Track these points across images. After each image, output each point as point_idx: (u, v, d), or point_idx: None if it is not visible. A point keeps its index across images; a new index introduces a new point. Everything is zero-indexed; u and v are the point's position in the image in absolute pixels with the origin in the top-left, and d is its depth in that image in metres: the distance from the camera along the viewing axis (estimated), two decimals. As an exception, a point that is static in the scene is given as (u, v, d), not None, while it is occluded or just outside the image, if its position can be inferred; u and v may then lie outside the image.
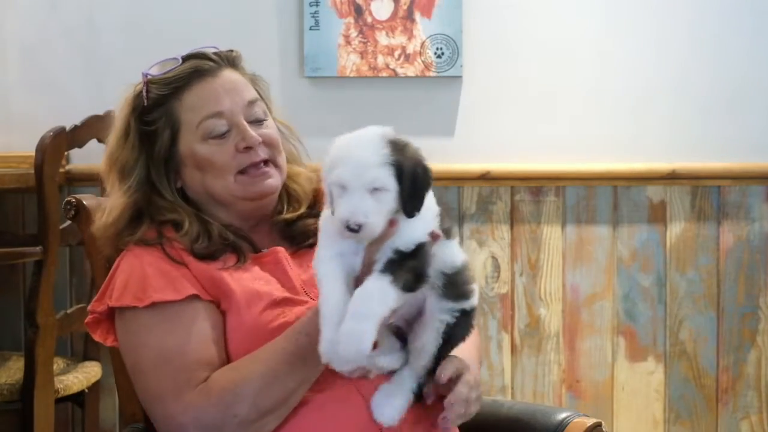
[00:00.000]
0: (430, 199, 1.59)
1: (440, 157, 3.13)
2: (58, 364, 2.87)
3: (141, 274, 1.69)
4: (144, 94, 1.80)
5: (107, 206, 1.80)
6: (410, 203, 1.51)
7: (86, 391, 2.92)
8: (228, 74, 1.82)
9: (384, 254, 1.52)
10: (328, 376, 1.63)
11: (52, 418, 2.71)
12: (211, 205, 1.80)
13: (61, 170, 2.99)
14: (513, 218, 3.15)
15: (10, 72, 3.21)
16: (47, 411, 2.69)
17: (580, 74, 3.16)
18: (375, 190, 1.49)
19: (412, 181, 1.50)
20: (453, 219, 3.15)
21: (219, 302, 1.70)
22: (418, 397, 1.64)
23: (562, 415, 1.87)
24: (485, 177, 3.12)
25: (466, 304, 1.63)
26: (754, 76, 3.16)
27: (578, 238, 3.16)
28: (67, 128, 2.69)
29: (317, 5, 3.11)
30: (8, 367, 2.80)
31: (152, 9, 3.17)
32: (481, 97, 3.16)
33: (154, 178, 1.79)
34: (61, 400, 2.81)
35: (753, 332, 3.17)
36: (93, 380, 2.91)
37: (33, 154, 2.63)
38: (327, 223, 1.55)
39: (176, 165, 1.79)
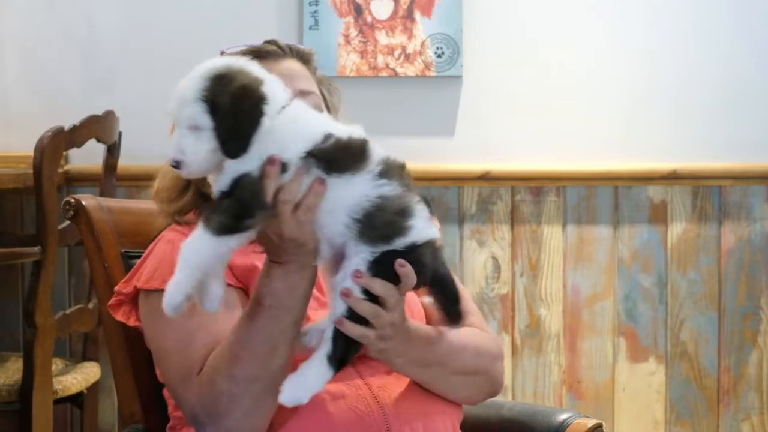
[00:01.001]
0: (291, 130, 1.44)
1: (440, 157, 3.14)
2: (57, 364, 2.86)
3: (172, 259, 1.68)
4: None
5: (161, 171, 1.79)
6: (228, 143, 1.39)
7: (85, 391, 2.92)
8: (290, 63, 1.81)
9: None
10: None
11: (51, 419, 2.71)
12: None
13: (60, 170, 2.98)
14: (513, 218, 3.15)
15: (9, 72, 3.21)
16: (46, 412, 2.68)
17: (580, 74, 3.16)
18: (194, 127, 1.40)
19: (228, 119, 1.39)
20: (453, 219, 3.14)
21: (248, 288, 1.70)
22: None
23: (563, 416, 1.87)
24: (485, 177, 3.12)
25: (393, 245, 1.45)
26: (756, 77, 3.17)
27: (579, 239, 3.16)
28: (66, 128, 2.68)
29: (317, 5, 3.11)
30: (7, 368, 2.80)
31: (151, 9, 3.17)
32: (481, 97, 3.16)
33: None
34: (59, 401, 2.80)
35: (754, 333, 3.17)
36: (92, 381, 2.91)
37: (31, 154, 2.62)
38: None
39: None
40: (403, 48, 3.12)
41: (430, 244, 1.49)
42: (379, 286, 1.46)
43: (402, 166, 1.49)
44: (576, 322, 3.16)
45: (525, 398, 3.14)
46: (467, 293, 1.86)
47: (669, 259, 3.16)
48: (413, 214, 1.47)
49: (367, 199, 1.43)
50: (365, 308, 1.46)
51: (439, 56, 3.12)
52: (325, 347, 1.47)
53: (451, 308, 1.56)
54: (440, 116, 3.16)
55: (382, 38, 3.12)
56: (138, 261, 1.76)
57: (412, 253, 1.46)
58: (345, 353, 1.48)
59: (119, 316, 1.76)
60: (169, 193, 1.77)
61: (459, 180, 3.13)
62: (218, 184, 1.42)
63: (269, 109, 1.41)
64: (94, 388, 2.97)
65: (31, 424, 2.65)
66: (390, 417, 1.63)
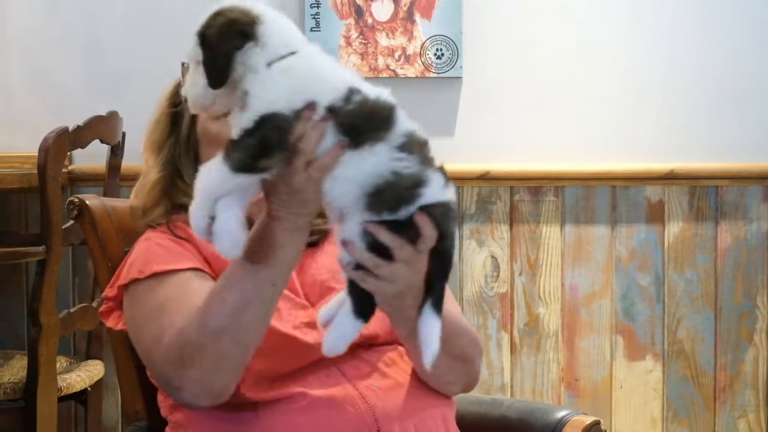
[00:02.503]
0: (323, 69, 1.41)
1: (440, 157, 3.14)
2: (61, 362, 2.87)
3: (147, 251, 1.72)
4: (180, 81, 1.84)
5: (142, 182, 1.83)
6: (208, 74, 1.38)
7: (89, 389, 2.92)
8: None
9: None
10: (322, 374, 1.64)
11: (55, 417, 2.71)
12: None
13: (64, 170, 3.00)
14: (512, 218, 3.16)
15: (13, 73, 3.22)
16: (50, 409, 2.69)
17: (579, 75, 3.17)
18: (197, 61, 1.40)
19: (208, 51, 1.39)
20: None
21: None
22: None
23: (561, 414, 1.87)
24: (485, 177, 3.14)
25: (397, 215, 1.42)
26: (753, 77, 3.17)
27: (577, 238, 3.17)
28: (70, 129, 2.69)
29: (318, 6, 3.12)
30: (11, 366, 2.80)
31: (153, 10, 3.18)
32: (480, 97, 3.17)
33: (179, 159, 1.82)
34: (63, 399, 2.81)
35: (750, 331, 3.18)
36: (96, 379, 2.91)
37: (36, 154, 2.63)
38: None
39: (195, 144, 1.82)
40: (404, 49, 3.14)
41: (441, 206, 1.47)
42: (384, 235, 1.42)
43: (425, 143, 1.47)
44: (574, 320, 3.17)
45: (523, 396, 3.15)
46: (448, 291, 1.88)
47: (666, 259, 3.17)
48: (426, 183, 1.44)
49: (381, 175, 1.39)
50: (365, 257, 1.43)
51: (438, 58, 3.13)
52: (347, 304, 1.46)
53: (438, 288, 1.49)
54: (440, 117, 3.17)
55: (383, 40, 3.14)
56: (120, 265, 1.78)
57: (416, 219, 1.43)
58: (366, 305, 1.46)
59: (110, 322, 1.76)
60: (143, 208, 1.80)
61: (458, 180, 3.14)
62: (241, 122, 1.38)
63: (253, 47, 1.39)
64: (98, 385, 2.97)
65: (36, 421, 2.66)
66: (379, 417, 1.63)
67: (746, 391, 3.18)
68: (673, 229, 3.17)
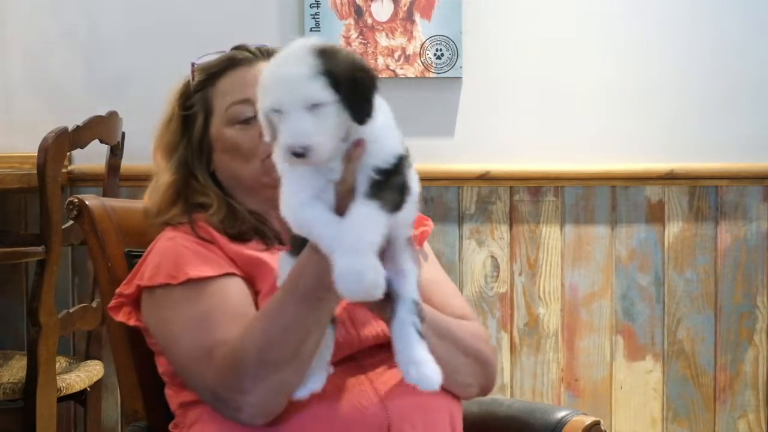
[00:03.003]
0: (385, 107, 1.44)
1: (440, 157, 3.15)
2: (60, 363, 2.87)
3: (175, 254, 1.71)
4: (190, 81, 1.85)
5: (155, 184, 1.83)
6: (357, 110, 1.36)
7: (88, 389, 2.92)
8: (263, 65, 1.84)
9: (363, 177, 1.39)
10: (340, 369, 1.64)
11: (55, 417, 2.71)
12: (238, 190, 1.82)
13: (64, 170, 3.00)
14: (512, 218, 3.16)
15: (13, 73, 3.22)
16: (49, 410, 2.69)
17: (579, 75, 3.17)
18: (313, 106, 1.34)
19: (353, 86, 1.36)
20: (452, 219, 3.16)
21: (253, 282, 1.71)
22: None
23: (561, 414, 1.87)
24: (484, 177, 3.14)
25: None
26: (753, 77, 3.17)
27: (577, 238, 3.17)
28: (70, 129, 2.69)
29: (318, 7, 3.12)
30: (11, 366, 2.80)
31: (153, 10, 3.18)
32: (480, 97, 3.17)
33: (192, 160, 1.83)
34: (63, 399, 2.81)
35: (750, 331, 3.18)
36: (95, 379, 2.91)
37: (35, 154, 2.63)
38: (286, 164, 1.41)
39: (209, 149, 1.83)
40: (403, 50, 3.14)
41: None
42: None
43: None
44: (574, 320, 3.17)
45: (523, 396, 3.15)
46: (454, 288, 1.88)
47: (666, 259, 3.17)
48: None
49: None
50: None
51: (438, 58, 3.13)
52: (413, 325, 1.48)
53: None
54: (440, 117, 3.17)
55: (383, 40, 3.14)
56: (138, 262, 1.77)
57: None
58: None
59: (120, 317, 1.76)
60: (159, 208, 1.80)
61: (458, 180, 3.14)
62: (368, 163, 1.39)
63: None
64: (97, 386, 2.97)
65: (35, 421, 2.66)
66: (391, 413, 1.63)
67: (746, 391, 3.18)
68: (673, 229, 3.17)
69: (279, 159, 1.43)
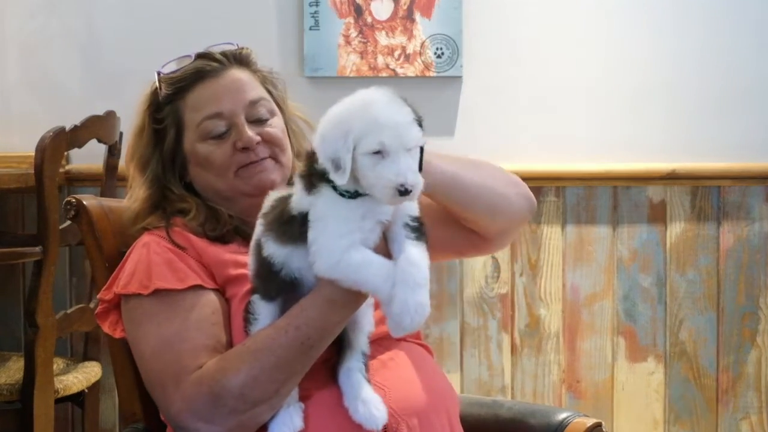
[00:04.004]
0: None
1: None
2: (58, 364, 2.87)
3: (147, 262, 1.72)
4: (158, 91, 1.85)
5: (131, 198, 1.85)
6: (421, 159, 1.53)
7: (86, 391, 2.92)
8: (233, 73, 1.84)
9: (400, 221, 1.53)
10: (327, 373, 1.64)
11: (52, 418, 2.71)
12: (217, 201, 1.83)
13: (61, 170, 2.99)
14: (513, 218, 3.15)
15: (10, 72, 3.21)
16: (47, 411, 2.69)
17: (580, 74, 3.17)
18: (409, 150, 1.48)
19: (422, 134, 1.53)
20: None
21: (225, 289, 1.71)
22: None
23: (562, 415, 1.88)
24: (485, 177, 3.12)
25: None
26: (754, 77, 3.17)
27: (578, 239, 3.16)
28: (67, 128, 2.69)
29: (317, 5, 3.11)
30: (8, 368, 2.80)
31: (152, 10, 3.17)
32: (481, 97, 3.17)
33: (165, 175, 1.84)
34: (60, 400, 2.81)
35: (753, 332, 3.17)
36: (93, 380, 2.91)
37: (33, 154, 2.63)
38: (339, 207, 1.51)
39: (183, 162, 1.84)
40: (403, 48, 3.13)
41: None
42: None
43: None
44: (575, 321, 3.16)
45: (524, 397, 3.14)
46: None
47: (668, 259, 3.16)
48: None
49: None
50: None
51: (438, 57, 3.12)
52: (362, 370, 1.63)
53: None
54: (440, 116, 3.16)
55: (382, 39, 3.13)
56: (117, 267, 1.78)
57: None
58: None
59: (106, 327, 1.77)
60: (136, 217, 1.82)
61: (459, 180, 3.13)
62: (408, 209, 1.54)
63: None
64: (95, 387, 2.97)
65: (33, 423, 2.66)
66: (388, 414, 1.62)
67: (749, 393, 3.17)
68: (675, 229, 3.16)
69: (340, 205, 1.52)
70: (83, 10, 3.19)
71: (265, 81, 1.89)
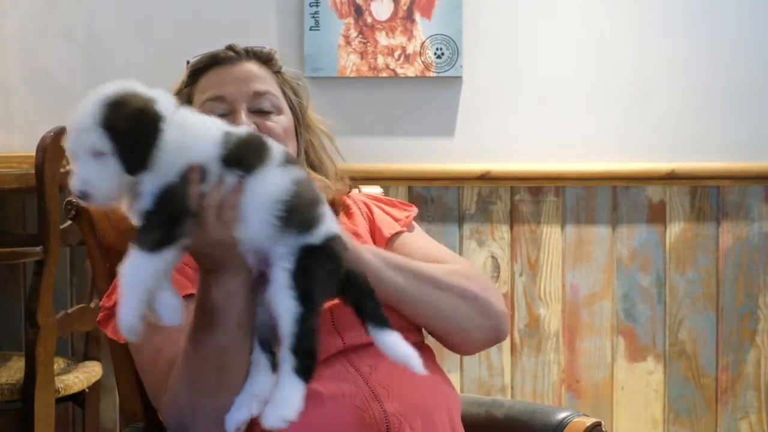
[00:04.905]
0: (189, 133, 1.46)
1: (440, 157, 3.14)
2: (59, 363, 2.87)
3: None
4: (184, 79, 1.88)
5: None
6: (128, 162, 1.40)
7: (87, 390, 2.92)
8: (247, 65, 1.85)
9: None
10: (336, 369, 1.64)
11: (53, 418, 2.71)
12: None
13: (62, 170, 2.98)
14: (513, 218, 3.16)
15: (11, 72, 3.21)
16: (48, 411, 2.69)
17: (579, 74, 3.17)
18: (98, 154, 1.40)
19: (127, 140, 1.41)
20: (453, 219, 3.15)
21: None
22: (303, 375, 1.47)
23: (562, 415, 1.87)
24: (485, 177, 3.13)
25: (310, 238, 1.45)
26: (754, 77, 3.17)
27: (578, 238, 3.16)
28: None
29: (317, 6, 3.11)
30: (9, 367, 2.80)
31: (152, 10, 3.17)
32: (481, 97, 3.17)
33: None
34: (61, 400, 2.81)
35: (752, 332, 3.17)
36: (93, 380, 2.91)
37: (34, 154, 2.63)
38: None
39: None
40: (403, 49, 3.13)
41: (338, 239, 1.48)
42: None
43: (289, 153, 1.51)
44: (575, 321, 3.17)
45: (524, 397, 3.15)
46: (442, 249, 1.87)
47: (667, 259, 3.16)
48: (322, 202, 1.48)
49: (284, 190, 1.44)
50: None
51: (438, 57, 3.13)
52: (289, 362, 1.45)
53: (370, 306, 1.50)
54: (440, 117, 3.16)
55: (382, 39, 3.13)
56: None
57: (329, 244, 1.46)
58: (311, 364, 1.46)
59: (110, 333, 1.76)
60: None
61: (458, 180, 3.13)
62: (139, 206, 1.43)
63: (166, 125, 1.43)
64: (96, 386, 2.97)
65: (33, 422, 2.66)
66: (389, 415, 1.63)
67: (748, 393, 3.17)
68: (675, 229, 3.16)
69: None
70: (84, 9, 3.19)
71: (285, 84, 1.88)
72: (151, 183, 1.42)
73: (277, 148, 1.48)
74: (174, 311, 1.45)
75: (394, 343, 1.49)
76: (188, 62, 1.88)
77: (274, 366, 1.49)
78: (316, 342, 1.45)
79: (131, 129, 1.41)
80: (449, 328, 1.73)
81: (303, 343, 1.44)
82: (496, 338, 1.78)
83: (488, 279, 1.80)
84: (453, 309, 1.72)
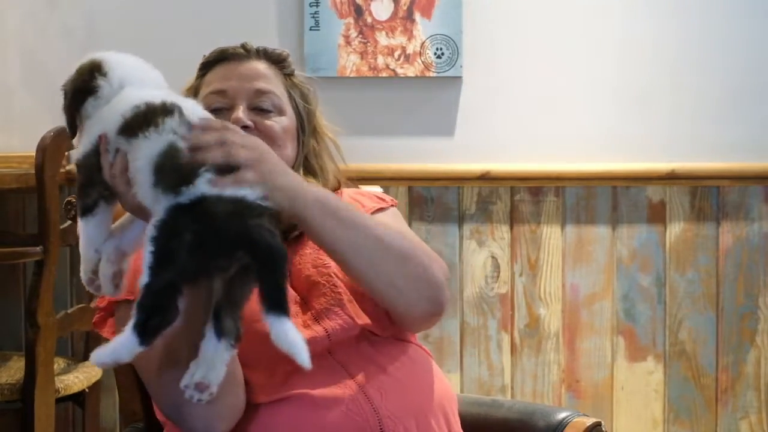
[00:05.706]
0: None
1: (440, 157, 3.14)
2: (59, 363, 2.87)
3: (135, 268, 1.70)
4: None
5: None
6: (67, 126, 1.61)
7: (87, 390, 2.92)
8: (254, 64, 1.85)
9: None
10: (326, 371, 1.64)
11: (53, 418, 2.71)
12: None
13: (62, 170, 2.98)
14: (513, 218, 3.15)
15: (11, 72, 3.21)
16: (48, 411, 2.69)
17: (580, 74, 3.17)
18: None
19: (64, 105, 1.64)
20: (453, 219, 3.15)
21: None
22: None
23: (562, 415, 1.87)
24: (485, 177, 3.13)
25: (179, 198, 1.44)
26: (754, 77, 3.17)
27: (578, 238, 3.16)
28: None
29: (317, 5, 3.11)
30: (9, 367, 2.80)
31: (152, 9, 3.17)
32: (481, 97, 3.17)
33: None
34: (61, 400, 2.81)
35: (752, 332, 3.17)
36: (93, 380, 2.91)
37: (34, 154, 2.63)
38: None
39: None
40: (403, 49, 3.13)
41: (217, 202, 1.44)
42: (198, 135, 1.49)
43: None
44: (575, 321, 3.16)
45: (524, 397, 3.14)
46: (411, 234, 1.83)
47: (667, 259, 3.16)
48: (204, 168, 1.46)
49: (155, 153, 1.47)
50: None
51: (438, 57, 3.13)
52: (132, 317, 1.43)
53: (273, 290, 1.41)
54: (440, 117, 3.16)
55: (382, 39, 3.13)
56: None
57: (200, 206, 1.43)
58: (150, 323, 1.43)
59: (105, 333, 1.77)
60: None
61: (458, 180, 3.13)
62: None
63: (94, 97, 1.60)
64: (96, 386, 2.97)
65: (33, 422, 2.66)
66: (383, 418, 1.62)
67: (748, 393, 3.17)
68: (675, 229, 3.16)
69: None
70: (84, 9, 3.19)
71: (293, 87, 1.88)
72: (77, 151, 1.55)
73: (176, 118, 1.50)
74: (107, 280, 1.52)
75: (285, 332, 1.40)
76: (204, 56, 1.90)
77: (220, 331, 1.49)
78: (168, 304, 1.42)
79: (65, 94, 1.64)
80: (391, 292, 1.65)
81: (148, 300, 1.42)
82: (435, 310, 1.69)
83: (433, 252, 1.74)
84: (394, 269, 1.64)
